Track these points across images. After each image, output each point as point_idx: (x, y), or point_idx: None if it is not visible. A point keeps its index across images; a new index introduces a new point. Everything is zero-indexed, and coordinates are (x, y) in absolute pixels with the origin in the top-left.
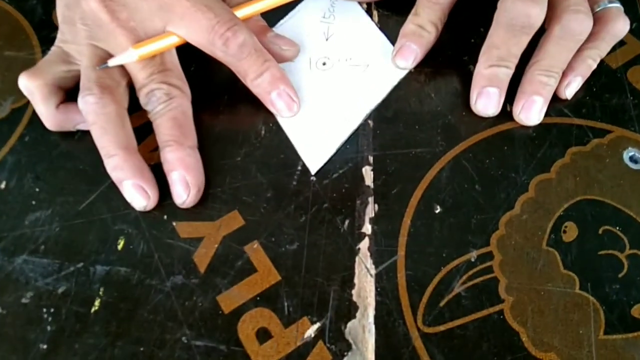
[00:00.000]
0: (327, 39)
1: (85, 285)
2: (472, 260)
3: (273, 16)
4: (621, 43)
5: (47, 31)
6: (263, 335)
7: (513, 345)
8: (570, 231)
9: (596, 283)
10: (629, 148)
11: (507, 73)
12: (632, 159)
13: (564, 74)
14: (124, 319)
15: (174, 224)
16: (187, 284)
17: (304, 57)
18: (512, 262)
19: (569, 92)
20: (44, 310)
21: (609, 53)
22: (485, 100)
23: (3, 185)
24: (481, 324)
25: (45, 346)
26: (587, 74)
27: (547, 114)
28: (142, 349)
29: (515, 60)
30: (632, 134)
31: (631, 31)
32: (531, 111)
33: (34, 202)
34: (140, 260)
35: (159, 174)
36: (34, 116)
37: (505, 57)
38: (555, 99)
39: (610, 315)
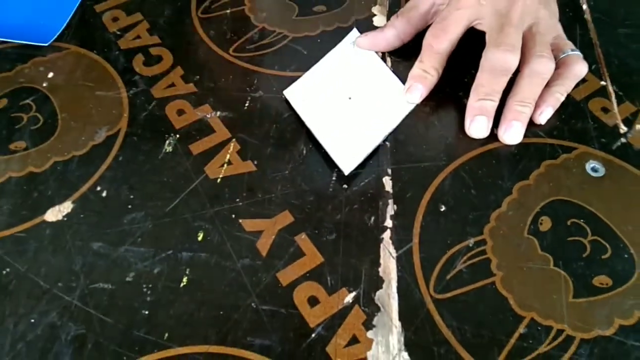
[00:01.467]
0: (352, 80)
1: (175, 267)
2: (470, 245)
3: (308, 60)
4: (583, 80)
5: (129, 75)
6: (313, 301)
7: (503, 307)
8: (546, 223)
9: (566, 261)
10: (590, 161)
11: (492, 105)
12: (593, 169)
13: (537, 105)
14: (206, 291)
15: (240, 221)
16: (253, 265)
17: (335, 91)
18: (501, 246)
19: (542, 118)
20: (144, 286)
21: (573, 88)
22: (477, 126)
23: (104, 194)
24: (478, 292)
25: (147, 312)
26: (557, 104)
27: (526, 136)
28: (221, 312)
29: (499, 95)
30: (593, 150)
31: (591, 71)
32: (512, 133)
33: (130, 207)
34: (216, 247)
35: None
36: (125, 141)
37: (490, 92)
38: (533, 125)
39: (577, 284)
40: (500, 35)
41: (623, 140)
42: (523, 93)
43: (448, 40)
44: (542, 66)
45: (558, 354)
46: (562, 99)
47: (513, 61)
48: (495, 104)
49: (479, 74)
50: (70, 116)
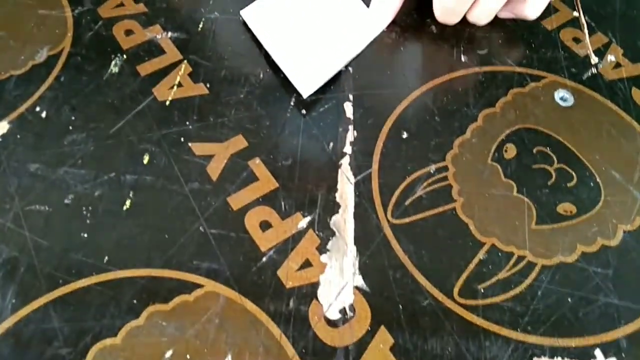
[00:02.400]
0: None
1: (118, 190)
2: (432, 172)
3: None
4: (555, 10)
5: None
6: (265, 226)
7: (463, 233)
8: (511, 151)
9: (530, 189)
10: (559, 90)
11: None
12: (562, 98)
13: None
14: (150, 215)
15: (190, 144)
16: (202, 189)
17: (296, 13)
18: (463, 173)
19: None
20: (83, 208)
21: (545, 17)
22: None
23: (44, 115)
24: (438, 217)
25: (86, 235)
26: None
27: (493, 64)
28: (166, 235)
29: None
30: (563, 79)
31: (563, 1)
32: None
33: (70, 128)
34: (163, 171)
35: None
36: (68, 61)
37: None
38: (501, 53)
39: (540, 212)
40: None
41: (594, 70)
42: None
43: None
44: None
45: (518, 280)
46: None
47: None
48: None
49: None
50: (8, 35)
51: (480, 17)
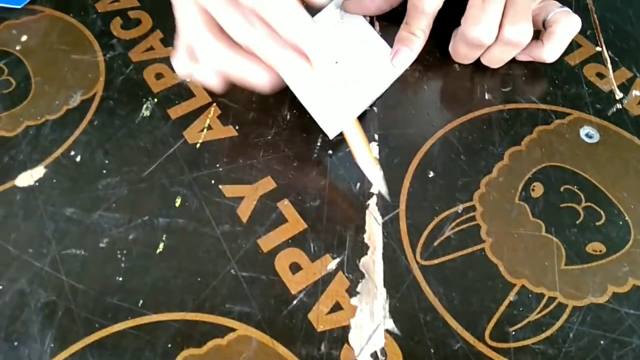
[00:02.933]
0: (338, 45)
1: (151, 233)
2: (459, 212)
3: None
4: (578, 45)
5: (106, 39)
6: (295, 268)
7: (493, 274)
8: (538, 189)
9: (558, 228)
10: (585, 126)
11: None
12: (587, 135)
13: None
14: (183, 258)
15: (220, 186)
16: (233, 231)
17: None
18: (491, 212)
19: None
20: (118, 252)
21: (568, 53)
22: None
23: (78, 159)
24: (467, 258)
25: (120, 279)
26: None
27: (518, 101)
28: (199, 279)
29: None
30: (588, 115)
31: (586, 36)
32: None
33: (104, 172)
34: (195, 214)
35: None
36: (100, 105)
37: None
38: (525, 90)
39: (569, 251)
40: (481, 10)
41: (619, 106)
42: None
43: None
44: (515, 35)
45: (550, 322)
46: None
47: (489, 39)
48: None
49: (456, 42)
50: (44, 80)
51: (492, 63)
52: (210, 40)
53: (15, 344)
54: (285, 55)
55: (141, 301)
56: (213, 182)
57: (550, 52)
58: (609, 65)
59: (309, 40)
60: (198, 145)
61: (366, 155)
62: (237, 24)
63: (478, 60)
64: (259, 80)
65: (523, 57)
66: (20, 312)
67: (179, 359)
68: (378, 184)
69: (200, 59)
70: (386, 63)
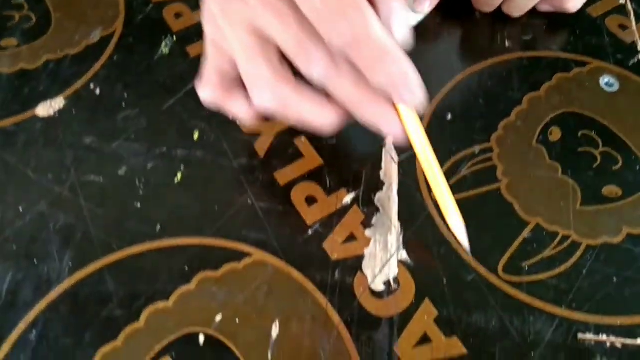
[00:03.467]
0: None
1: (169, 164)
2: (476, 152)
3: None
4: None
5: None
6: (310, 200)
7: (507, 212)
8: (555, 133)
9: (575, 171)
10: (605, 75)
11: None
12: (607, 84)
13: None
14: (201, 187)
15: (238, 122)
16: (250, 164)
17: None
18: (508, 154)
19: None
20: (136, 180)
21: (590, 4)
22: None
23: (98, 92)
24: (482, 197)
25: (139, 204)
26: None
27: (537, 49)
28: (216, 207)
29: None
30: (608, 65)
31: None
32: None
33: (123, 105)
34: (212, 147)
35: None
36: (120, 41)
37: None
38: (545, 39)
39: (585, 193)
40: None
41: None
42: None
43: None
44: None
45: (563, 258)
46: None
47: None
48: None
49: None
50: (64, 16)
51: (514, 11)
52: (268, 75)
53: (35, 262)
54: (373, 104)
55: (159, 226)
56: (231, 117)
57: (572, 1)
58: (632, 17)
59: (406, 92)
60: None
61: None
62: (316, 61)
63: (499, 10)
64: (326, 123)
65: (545, 7)
66: (40, 233)
67: (195, 280)
68: (461, 237)
69: (252, 96)
70: (407, 9)
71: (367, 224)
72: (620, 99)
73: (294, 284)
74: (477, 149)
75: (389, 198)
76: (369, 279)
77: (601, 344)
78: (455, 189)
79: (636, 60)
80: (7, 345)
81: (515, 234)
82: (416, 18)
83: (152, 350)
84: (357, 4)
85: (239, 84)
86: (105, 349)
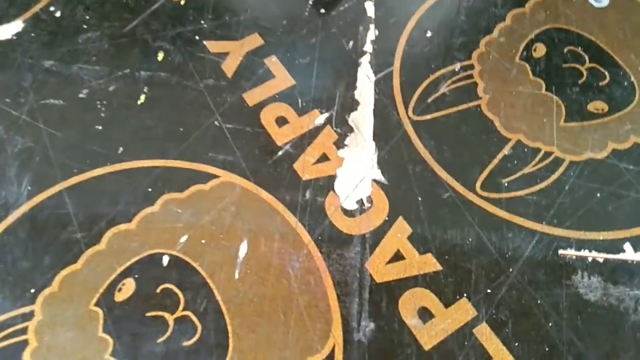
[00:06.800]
0: None
1: (132, 85)
2: (456, 70)
3: None
4: None
5: None
6: (281, 121)
7: (488, 129)
8: (540, 50)
9: (559, 87)
10: None
11: None
12: None
13: None
14: (165, 109)
15: (205, 42)
16: (217, 85)
17: None
18: (489, 71)
19: None
20: (98, 102)
21: None
22: None
23: (58, 14)
24: (461, 114)
25: (100, 127)
26: None
27: None
28: (181, 129)
29: None
30: None
31: None
32: None
33: (85, 26)
34: (177, 67)
35: None
36: None
37: None
38: None
39: (570, 109)
40: None
41: None
42: None
43: None
44: None
45: (545, 175)
46: None
47: None
48: None
49: None
50: None
51: None
52: None
53: None
54: None
55: (121, 149)
56: (197, 37)
57: None
58: None
59: None
60: (182, 1)
61: None
62: None
63: None
64: None
65: None
66: None
67: (159, 202)
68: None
69: None
70: None
71: (340, 144)
72: (610, 14)
73: (263, 204)
74: (457, 66)
75: (364, 117)
76: (341, 198)
77: (583, 259)
78: (433, 107)
79: None
80: None
81: (495, 151)
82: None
83: (113, 272)
84: None
85: None
86: (65, 271)
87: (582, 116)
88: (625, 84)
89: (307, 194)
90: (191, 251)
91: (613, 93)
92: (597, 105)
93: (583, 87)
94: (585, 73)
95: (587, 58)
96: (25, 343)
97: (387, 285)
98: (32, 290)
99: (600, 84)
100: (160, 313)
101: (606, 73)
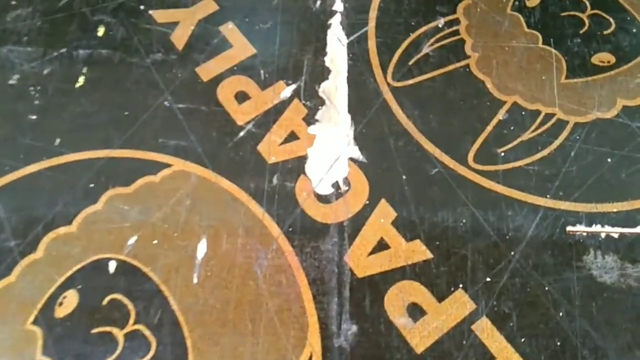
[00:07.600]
0: None
1: (69, 67)
2: (440, 26)
3: None
4: None
5: None
6: (241, 97)
7: (478, 91)
8: None
9: (558, 39)
10: None
11: None
12: None
13: None
14: (107, 91)
15: (150, 12)
16: (167, 60)
17: None
18: (478, 25)
19: None
20: (31, 88)
21: None
22: None
23: None
24: (448, 76)
25: (34, 117)
26: None
27: None
28: (126, 113)
29: None
30: None
31: None
32: None
33: (13, 2)
34: (121, 43)
35: None
36: None
37: None
38: None
39: (571, 63)
40: None
41: None
42: None
43: None
44: None
45: (546, 140)
46: None
47: None
48: None
49: None
50: None
51: None
52: None
53: None
54: None
55: (58, 140)
56: (142, 7)
57: None
58: None
59: None
60: None
61: None
62: None
63: None
64: None
65: None
66: None
67: (102, 199)
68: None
69: None
70: None
71: (310, 119)
72: None
73: (223, 195)
74: (441, 21)
75: (337, 87)
76: (314, 182)
77: (595, 236)
78: (415, 70)
79: None
80: None
81: (488, 117)
82: None
83: (53, 284)
84: None
85: None
86: None
87: (585, 71)
88: (634, 30)
89: (275, 180)
90: (141, 254)
91: (620, 42)
92: (602, 57)
93: (585, 37)
94: (586, 21)
95: (588, 4)
96: None
97: (370, 279)
98: None
99: (605, 32)
100: (107, 329)
101: (611, 20)
